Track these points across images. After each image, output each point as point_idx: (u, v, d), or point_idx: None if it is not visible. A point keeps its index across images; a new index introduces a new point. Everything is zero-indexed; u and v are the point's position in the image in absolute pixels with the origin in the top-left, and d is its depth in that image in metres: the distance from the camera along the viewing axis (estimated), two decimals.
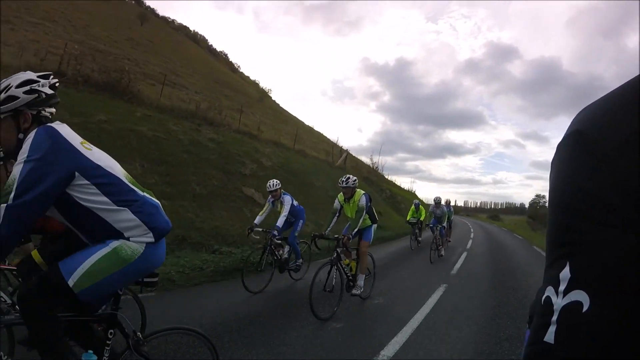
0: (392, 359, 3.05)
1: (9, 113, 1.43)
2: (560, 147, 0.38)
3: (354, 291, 4.52)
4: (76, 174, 1.41)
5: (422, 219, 11.33)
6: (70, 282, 1.43)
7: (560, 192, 0.36)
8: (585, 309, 0.31)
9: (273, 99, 46.02)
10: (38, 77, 1.50)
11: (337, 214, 4.90)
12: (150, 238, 1.56)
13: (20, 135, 1.45)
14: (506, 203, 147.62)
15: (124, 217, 1.51)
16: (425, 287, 5.76)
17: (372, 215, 4.92)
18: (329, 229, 4.76)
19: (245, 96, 31.55)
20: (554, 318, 0.33)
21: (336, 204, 4.92)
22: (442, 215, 10.43)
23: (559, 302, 0.33)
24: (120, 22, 29.51)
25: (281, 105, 46.49)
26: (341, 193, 4.82)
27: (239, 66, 51.25)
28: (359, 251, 4.76)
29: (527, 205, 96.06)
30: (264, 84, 55.46)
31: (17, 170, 1.31)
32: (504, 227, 36.23)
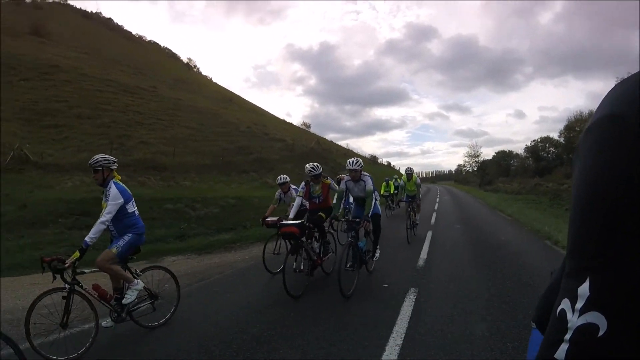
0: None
1: None
2: (589, 132, 0.32)
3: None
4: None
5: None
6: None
7: (587, 189, 0.30)
8: (601, 333, 0.28)
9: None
10: None
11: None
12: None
13: None
14: (436, 171, 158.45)
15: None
16: (426, 218, 11.78)
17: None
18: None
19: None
20: (568, 336, 0.30)
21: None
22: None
23: (574, 321, 0.30)
24: None
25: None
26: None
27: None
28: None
29: (453, 172, 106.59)
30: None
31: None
32: (443, 185, 73.09)
